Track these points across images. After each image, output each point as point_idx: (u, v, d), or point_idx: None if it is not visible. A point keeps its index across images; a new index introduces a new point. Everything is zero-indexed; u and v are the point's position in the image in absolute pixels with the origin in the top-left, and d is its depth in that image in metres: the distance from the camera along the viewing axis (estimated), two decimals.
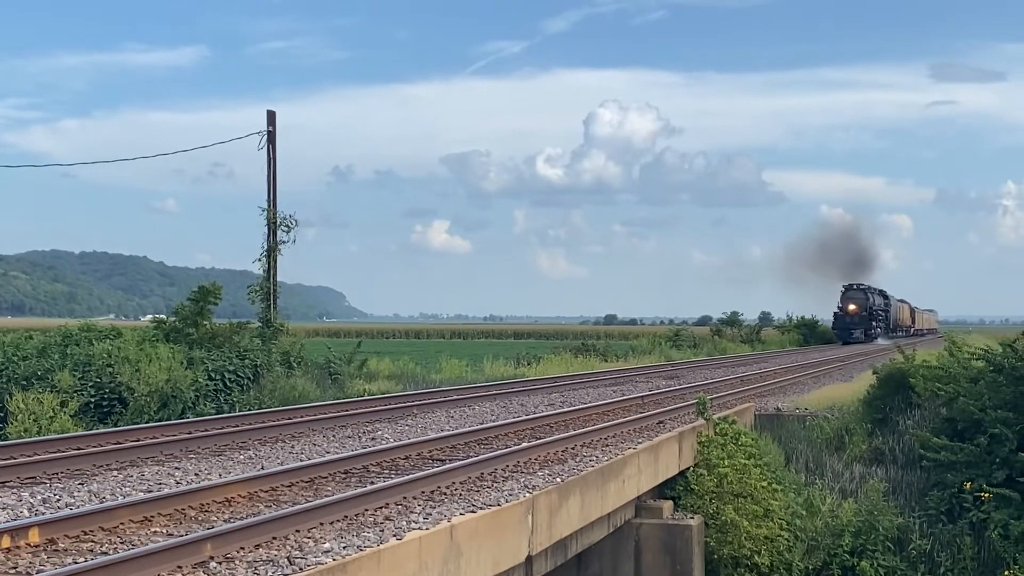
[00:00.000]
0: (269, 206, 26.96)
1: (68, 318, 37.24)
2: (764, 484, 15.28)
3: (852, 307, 72.64)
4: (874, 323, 75.76)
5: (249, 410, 19.70)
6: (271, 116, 27.47)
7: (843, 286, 75.95)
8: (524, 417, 16.07)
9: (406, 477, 9.91)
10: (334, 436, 13.51)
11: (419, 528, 7.96)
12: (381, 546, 7.33)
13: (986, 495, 16.00)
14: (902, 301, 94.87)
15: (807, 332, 74.14)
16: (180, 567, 6.71)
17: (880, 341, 74.21)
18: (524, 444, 12.85)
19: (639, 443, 13.64)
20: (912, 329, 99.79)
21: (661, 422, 16.45)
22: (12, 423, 18.58)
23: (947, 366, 19.27)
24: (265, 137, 27.10)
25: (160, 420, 19.08)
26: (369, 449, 11.99)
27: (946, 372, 18.99)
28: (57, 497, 8.88)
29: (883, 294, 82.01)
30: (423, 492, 9.54)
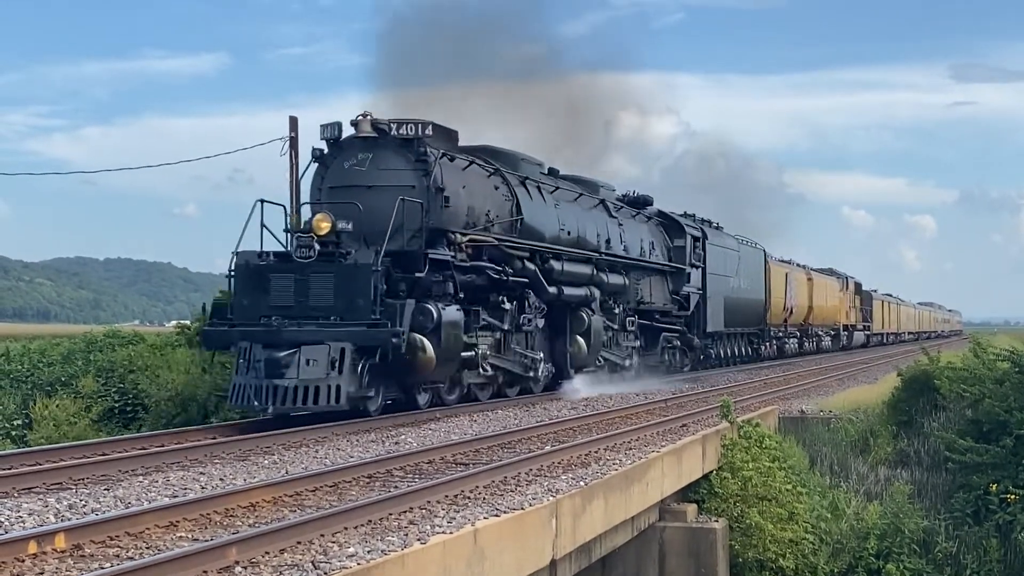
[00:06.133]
0: (292, 212, 27.00)
1: (93, 324, 37.40)
2: (789, 487, 15.22)
3: (325, 224, 15.18)
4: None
5: None
6: (293, 122, 27.46)
7: None
8: (547, 421, 16.06)
9: (430, 482, 9.91)
10: (358, 441, 13.53)
11: (443, 532, 7.96)
12: (405, 550, 7.33)
13: (1012, 497, 15.89)
14: (830, 273, 52.65)
15: None
16: (206, 572, 6.73)
17: (578, 385, 21.14)
18: (547, 448, 12.85)
19: (662, 446, 13.60)
20: (862, 331, 58.29)
21: (684, 425, 16.41)
22: (36, 430, 18.70)
23: (972, 367, 19.15)
24: (287, 143, 27.17)
25: (179, 425, 19.15)
26: (393, 454, 12.00)
27: (971, 374, 18.86)
28: (83, 502, 8.92)
29: (661, 222, 29.34)
30: (447, 496, 9.55)
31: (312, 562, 7.04)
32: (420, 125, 16.91)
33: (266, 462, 11.54)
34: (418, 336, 15.28)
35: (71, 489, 9.68)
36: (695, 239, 30.68)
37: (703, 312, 31.12)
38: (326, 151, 17.35)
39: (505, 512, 8.86)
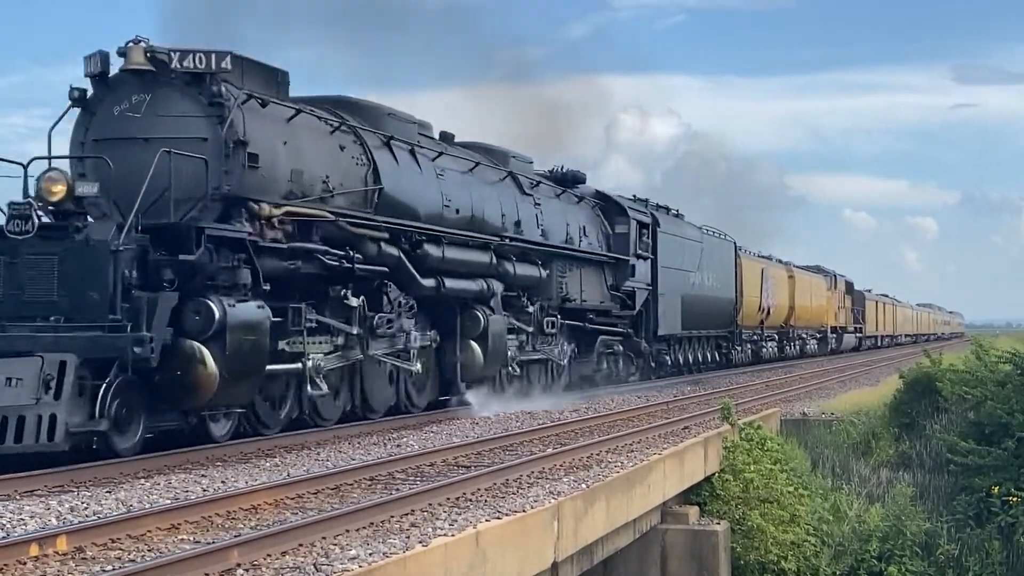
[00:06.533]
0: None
1: None
2: (790, 489, 15.21)
3: (58, 188, 11.22)
4: None
5: None
6: None
7: None
8: (549, 424, 16.05)
9: (432, 484, 9.92)
10: (360, 443, 13.53)
11: (445, 534, 7.96)
12: (407, 553, 7.33)
13: (1014, 499, 15.88)
14: (816, 271, 48.96)
15: None
16: (207, 574, 6.73)
17: (472, 402, 17.55)
18: (549, 450, 12.84)
19: (664, 449, 13.60)
20: (853, 334, 53.03)
21: (686, 428, 16.40)
22: None
23: (974, 369, 19.15)
24: None
25: None
26: (394, 456, 12.00)
27: (973, 376, 18.87)
28: (85, 505, 8.91)
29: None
30: (448, 499, 9.54)
31: (314, 564, 7.03)
32: (215, 56, 12.22)
33: (268, 464, 11.54)
34: (194, 344, 11.23)
35: (73, 491, 9.66)
36: (642, 225, 25.86)
37: (653, 311, 26.46)
38: (91, 92, 12.68)
39: (507, 514, 8.85)
